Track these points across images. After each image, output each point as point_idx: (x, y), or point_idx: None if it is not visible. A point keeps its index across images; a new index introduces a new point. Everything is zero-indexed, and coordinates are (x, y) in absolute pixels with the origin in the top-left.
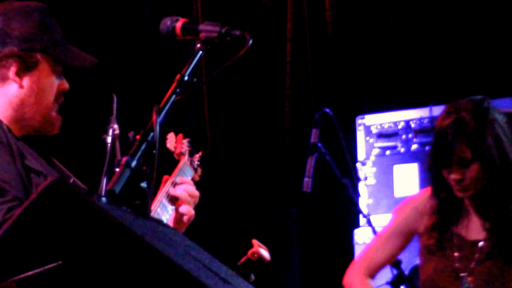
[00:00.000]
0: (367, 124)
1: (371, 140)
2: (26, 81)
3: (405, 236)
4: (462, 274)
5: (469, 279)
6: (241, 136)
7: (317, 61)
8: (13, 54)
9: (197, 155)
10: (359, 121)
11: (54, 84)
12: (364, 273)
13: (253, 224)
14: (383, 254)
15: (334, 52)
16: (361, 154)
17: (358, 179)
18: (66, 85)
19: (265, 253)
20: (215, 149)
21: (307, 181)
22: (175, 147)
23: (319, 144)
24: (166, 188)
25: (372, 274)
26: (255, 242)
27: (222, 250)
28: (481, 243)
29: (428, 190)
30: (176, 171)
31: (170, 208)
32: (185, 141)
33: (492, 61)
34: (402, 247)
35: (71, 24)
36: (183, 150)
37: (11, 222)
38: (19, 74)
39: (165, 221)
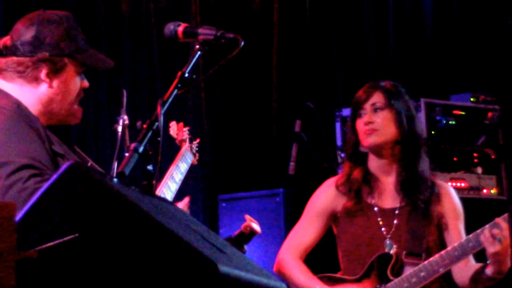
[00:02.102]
0: (343, 115)
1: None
2: (55, 82)
3: (326, 216)
4: (386, 240)
5: (388, 242)
6: (233, 125)
7: (300, 60)
8: (45, 59)
9: (195, 142)
10: (336, 113)
11: (77, 83)
12: (294, 255)
13: (246, 201)
14: (308, 236)
15: (315, 53)
16: (339, 141)
17: (338, 163)
18: (86, 84)
19: (256, 226)
20: (212, 136)
21: (292, 165)
22: (177, 134)
23: (302, 133)
24: (171, 171)
25: (302, 256)
26: (247, 217)
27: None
28: (397, 211)
29: (346, 171)
30: (179, 155)
31: (174, 188)
32: (185, 129)
33: (454, 59)
34: (325, 227)
35: (87, 28)
36: (184, 138)
37: (34, 200)
38: (49, 75)
39: (169, 199)
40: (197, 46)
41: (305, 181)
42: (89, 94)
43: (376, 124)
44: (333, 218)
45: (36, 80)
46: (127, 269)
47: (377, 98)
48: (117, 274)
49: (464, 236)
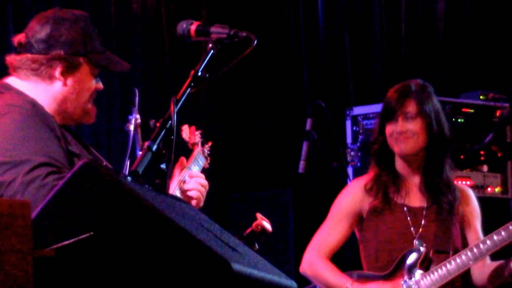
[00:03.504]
0: (354, 114)
1: (358, 129)
2: (69, 80)
3: (353, 217)
4: (415, 240)
5: (417, 241)
6: (244, 124)
7: (311, 59)
8: (60, 57)
9: (207, 145)
10: (347, 112)
11: (92, 84)
12: (322, 256)
13: (256, 200)
14: (334, 237)
15: (327, 53)
16: (349, 140)
17: (347, 162)
18: (101, 86)
19: (267, 225)
20: (224, 136)
21: (302, 163)
22: (189, 138)
23: (313, 132)
24: (181, 176)
25: (328, 257)
26: (258, 215)
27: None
28: (424, 211)
29: (374, 171)
30: (191, 159)
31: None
32: (197, 133)
33: (464, 57)
34: (351, 228)
35: (98, 27)
36: (196, 141)
37: (49, 198)
38: (64, 74)
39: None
40: (210, 45)
41: (315, 180)
42: (101, 93)
43: (408, 133)
44: (359, 219)
45: (50, 78)
46: (140, 268)
47: (410, 107)
48: (131, 272)
49: (482, 236)
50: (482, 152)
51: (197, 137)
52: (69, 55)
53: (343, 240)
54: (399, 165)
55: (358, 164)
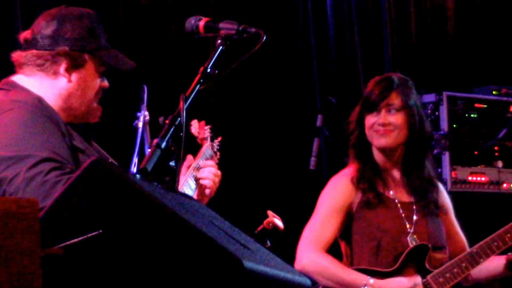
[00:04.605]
0: None
1: None
2: (74, 77)
3: (344, 212)
4: (409, 236)
5: (414, 236)
6: (255, 121)
7: (322, 55)
8: (65, 53)
9: (217, 141)
10: None
11: (97, 81)
12: (322, 251)
13: (268, 198)
14: (329, 231)
15: (337, 49)
16: None
17: None
18: (106, 84)
19: (279, 222)
20: (235, 133)
21: (313, 160)
22: (198, 133)
23: (324, 128)
24: (191, 170)
25: (324, 251)
26: (270, 213)
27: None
28: (415, 206)
29: (354, 165)
30: (200, 154)
31: (194, 186)
32: (207, 128)
33: (477, 52)
34: (342, 223)
35: (106, 23)
36: (205, 136)
37: (57, 196)
38: (69, 70)
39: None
40: (219, 41)
41: (326, 176)
42: (109, 89)
43: (391, 125)
44: (347, 213)
45: (55, 74)
46: (151, 266)
47: (394, 99)
48: (141, 270)
49: (459, 230)
50: (496, 148)
51: (206, 132)
52: (74, 52)
53: (335, 236)
54: (378, 158)
55: None
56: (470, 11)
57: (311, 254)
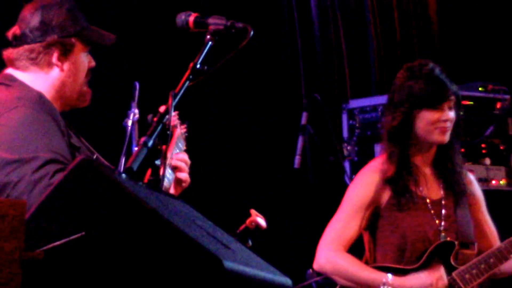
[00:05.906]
0: (350, 108)
1: (354, 122)
2: (66, 64)
3: (370, 208)
4: (441, 233)
5: (443, 234)
6: (239, 118)
7: (307, 52)
8: (55, 42)
9: (183, 126)
10: (343, 105)
11: (85, 63)
12: (341, 250)
13: (252, 196)
14: (352, 230)
15: (323, 46)
16: (345, 134)
17: (344, 157)
18: (93, 63)
19: (262, 221)
20: (218, 130)
21: (297, 158)
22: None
23: (309, 126)
24: (169, 158)
25: (346, 250)
26: (253, 211)
27: (224, 219)
28: (443, 201)
29: (390, 160)
30: (173, 143)
31: (170, 175)
32: (174, 113)
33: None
34: (367, 219)
35: (98, 20)
36: (175, 123)
37: (41, 200)
38: (60, 58)
39: (168, 186)
40: (208, 36)
41: (311, 175)
42: (99, 87)
43: (451, 122)
44: (374, 209)
45: (49, 65)
46: (133, 265)
47: (452, 95)
48: (123, 270)
49: (490, 222)
50: (483, 145)
51: (174, 118)
52: (62, 38)
53: (358, 233)
54: (417, 155)
55: (355, 159)
56: (456, 6)
57: (329, 253)
